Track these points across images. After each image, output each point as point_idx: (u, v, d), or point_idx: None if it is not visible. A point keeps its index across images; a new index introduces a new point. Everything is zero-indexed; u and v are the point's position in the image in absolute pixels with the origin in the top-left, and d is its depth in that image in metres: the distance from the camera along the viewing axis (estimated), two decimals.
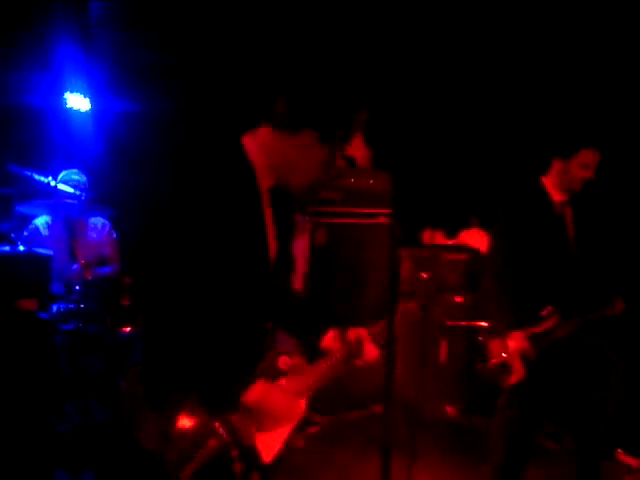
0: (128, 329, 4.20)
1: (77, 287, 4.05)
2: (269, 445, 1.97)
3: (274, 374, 2.07)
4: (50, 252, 3.98)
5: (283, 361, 2.10)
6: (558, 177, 3.33)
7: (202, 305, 1.93)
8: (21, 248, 3.88)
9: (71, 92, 5.29)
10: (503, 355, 3.15)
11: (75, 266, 4.26)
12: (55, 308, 4.03)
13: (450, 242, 5.46)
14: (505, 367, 3.17)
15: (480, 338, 3.29)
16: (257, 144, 2.08)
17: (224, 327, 1.98)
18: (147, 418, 2.02)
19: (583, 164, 3.26)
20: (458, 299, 5.15)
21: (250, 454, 1.92)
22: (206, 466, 1.87)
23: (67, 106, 5.32)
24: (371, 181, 4.97)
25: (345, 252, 4.85)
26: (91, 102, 5.39)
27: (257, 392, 1.95)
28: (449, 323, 4.98)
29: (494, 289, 3.24)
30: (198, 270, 1.93)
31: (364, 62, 5.47)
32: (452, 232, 5.45)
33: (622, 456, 3.91)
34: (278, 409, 2.00)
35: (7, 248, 3.86)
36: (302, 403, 2.08)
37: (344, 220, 4.85)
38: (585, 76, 4.88)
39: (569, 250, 3.34)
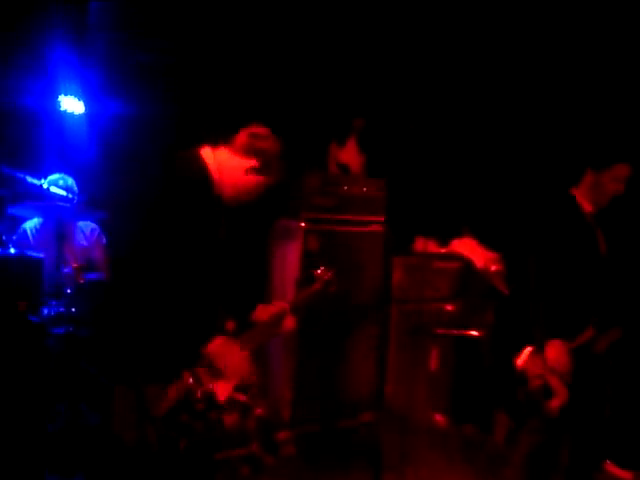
0: None
1: (68, 290, 4.04)
2: (223, 388, 2.49)
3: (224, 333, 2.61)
4: (41, 255, 3.96)
5: (230, 325, 2.65)
6: (589, 189, 3.29)
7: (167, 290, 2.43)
8: (12, 251, 3.86)
9: (65, 95, 5.27)
10: (542, 374, 3.03)
11: (67, 269, 4.24)
12: (46, 311, 4.02)
13: (442, 250, 5.47)
14: (547, 389, 3.03)
15: (518, 361, 3.12)
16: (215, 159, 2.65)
17: (184, 305, 2.47)
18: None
19: (616, 178, 3.24)
20: (449, 307, 5.15)
21: (210, 396, 2.45)
22: (176, 404, 2.37)
23: (61, 109, 5.31)
24: (365, 188, 4.98)
25: (337, 259, 4.85)
26: (85, 105, 5.38)
27: (216, 347, 2.50)
28: (439, 331, 4.98)
29: (529, 306, 3.15)
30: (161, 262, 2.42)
31: (360, 70, 5.49)
32: (444, 240, 5.46)
33: (611, 468, 3.91)
34: (230, 360, 2.52)
35: None
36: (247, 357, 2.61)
37: (337, 227, 4.85)
38: (618, 87, 4.87)
39: (602, 263, 3.30)
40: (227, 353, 2.54)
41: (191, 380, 2.42)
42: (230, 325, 2.68)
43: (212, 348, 2.51)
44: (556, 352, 3.05)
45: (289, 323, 2.90)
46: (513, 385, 3.16)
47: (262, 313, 2.87)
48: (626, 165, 3.25)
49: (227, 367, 2.53)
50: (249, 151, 2.62)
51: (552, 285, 3.14)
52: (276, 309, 2.89)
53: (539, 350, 3.05)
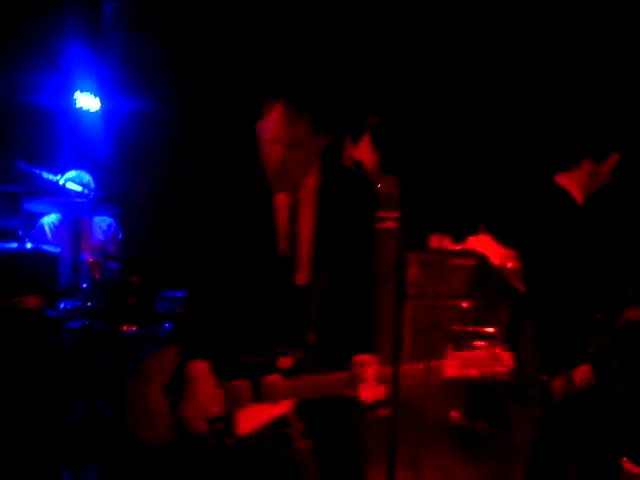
0: (134, 328, 4.20)
1: (84, 285, 4.07)
2: (249, 421, 2.23)
3: (273, 368, 2.24)
4: (58, 249, 3.99)
5: (285, 359, 2.24)
6: (586, 179, 3.26)
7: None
8: (29, 246, 3.89)
9: (81, 92, 5.30)
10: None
11: (82, 265, 4.27)
12: (62, 305, 4.05)
13: (458, 247, 5.45)
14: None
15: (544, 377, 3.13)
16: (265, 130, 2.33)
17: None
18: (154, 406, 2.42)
19: (611, 167, 3.21)
20: (464, 304, 5.13)
21: (226, 420, 2.22)
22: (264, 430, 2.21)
23: (77, 106, 5.33)
24: (379, 185, 4.96)
25: None
26: (101, 102, 5.41)
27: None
28: (455, 328, 4.96)
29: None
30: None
31: (372, 66, 5.48)
32: (460, 237, 5.44)
33: (627, 465, 3.88)
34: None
35: (15, 245, 3.87)
36: (288, 403, 2.23)
37: None
38: (616, 78, 4.84)
39: (594, 256, 3.26)
40: (203, 388, 2.29)
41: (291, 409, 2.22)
42: (283, 362, 2.26)
43: (193, 369, 2.31)
44: (583, 374, 3.06)
45: (369, 392, 2.22)
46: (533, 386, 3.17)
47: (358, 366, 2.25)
48: (618, 154, 3.22)
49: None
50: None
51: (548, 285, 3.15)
52: (362, 367, 2.24)
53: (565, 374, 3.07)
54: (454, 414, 4.94)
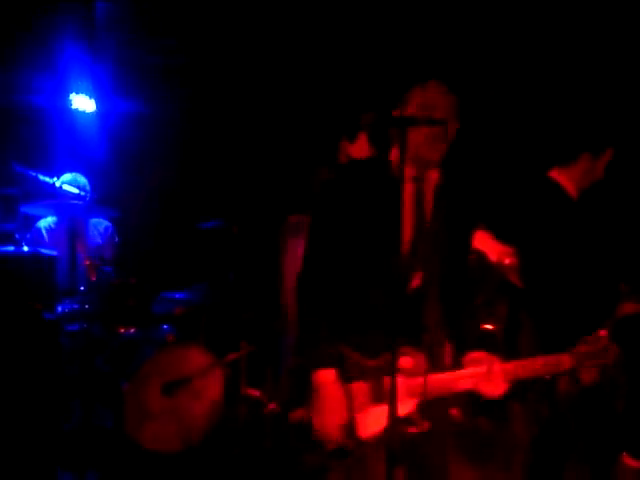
0: (132, 330, 4.19)
1: (82, 288, 4.06)
2: (371, 424, 2.20)
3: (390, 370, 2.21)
4: (54, 252, 3.98)
5: (405, 360, 2.23)
6: (582, 174, 3.24)
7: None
8: (25, 249, 3.88)
9: (76, 93, 5.29)
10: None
11: (79, 267, 4.25)
12: (60, 309, 4.03)
13: None
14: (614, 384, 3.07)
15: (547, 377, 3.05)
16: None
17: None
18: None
19: (606, 162, 3.20)
20: None
21: (349, 426, 2.19)
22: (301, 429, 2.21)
23: (72, 107, 5.32)
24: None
25: None
26: (96, 103, 5.40)
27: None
28: None
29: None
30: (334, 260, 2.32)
31: (370, 65, 5.47)
32: None
33: (628, 460, 3.88)
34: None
35: (11, 248, 3.86)
36: (412, 403, 2.23)
37: None
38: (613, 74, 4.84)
39: (590, 253, 3.24)
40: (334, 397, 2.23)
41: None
42: (404, 361, 2.24)
43: (321, 378, 2.23)
44: (591, 373, 3.00)
45: (492, 387, 2.29)
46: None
47: (470, 361, 2.35)
48: (611, 149, 3.22)
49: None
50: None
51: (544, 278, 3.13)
52: (485, 363, 2.31)
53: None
54: (454, 411, 4.94)
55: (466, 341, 2.42)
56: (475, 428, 4.76)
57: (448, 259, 2.43)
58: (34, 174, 4.11)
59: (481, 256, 5.19)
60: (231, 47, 5.49)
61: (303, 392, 2.24)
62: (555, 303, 3.11)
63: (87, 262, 4.23)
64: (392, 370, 2.03)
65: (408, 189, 2.33)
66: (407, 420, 2.21)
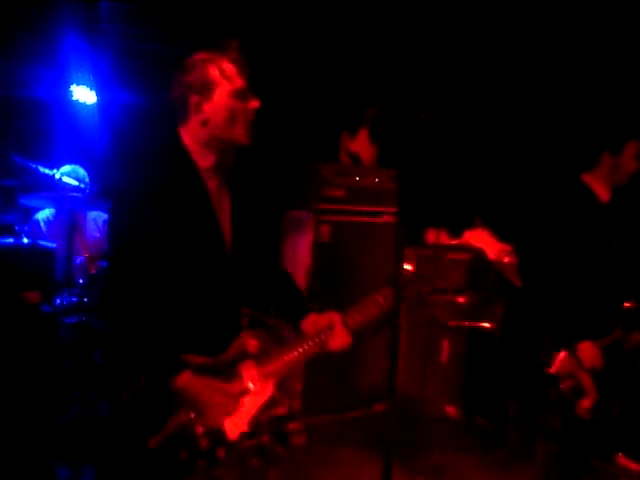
0: None
1: (80, 280, 4.05)
2: (236, 423, 2.13)
3: (242, 355, 2.21)
4: (54, 245, 3.97)
5: (251, 343, 2.21)
6: (608, 173, 3.20)
7: (160, 290, 2.15)
8: (25, 241, 3.88)
9: (77, 85, 5.28)
10: (574, 373, 2.96)
11: (78, 260, 4.25)
12: (58, 301, 4.03)
13: (454, 242, 5.45)
14: (578, 389, 2.98)
15: (544, 360, 3.03)
16: (187, 131, 2.33)
17: (183, 311, 2.18)
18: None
19: (633, 156, 3.15)
20: (460, 299, 5.14)
21: (215, 432, 2.10)
22: (172, 438, 2.05)
23: (73, 99, 5.31)
24: (376, 179, 4.96)
25: (349, 250, 4.84)
26: (97, 95, 5.38)
27: (185, 382, 2.08)
28: (451, 323, 4.97)
29: (548, 299, 3.08)
30: (152, 251, 2.14)
31: (371, 60, 5.46)
32: (457, 232, 5.44)
33: (622, 460, 3.89)
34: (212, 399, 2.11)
35: (11, 240, 3.86)
36: (269, 385, 2.20)
37: (348, 218, 4.84)
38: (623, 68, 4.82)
39: (618, 256, 3.21)
40: (204, 390, 2.12)
41: (192, 414, 2.09)
42: (252, 345, 2.23)
43: (181, 383, 2.10)
44: (591, 353, 3.00)
45: (341, 339, 2.30)
46: (530, 381, 3.13)
47: (313, 325, 2.33)
48: (635, 141, 3.18)
49: (208, 408, 2.11)
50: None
51: (569, 282, 3.07)
52: (326, 321, 2.31)
53: (569, 350, 3.00)
54: (450, 409, 4.95)
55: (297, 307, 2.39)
56: (472, 426, 4.77)
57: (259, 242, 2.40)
58: (34, 166, 4.10)
59: (480, 254, 5.20)
60: (232, 38, 5.47)
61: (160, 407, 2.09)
62: (581, 306, 3.07)
63: (86, 255, 4.22)
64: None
65: (213, 177, 2.31)
66: (271, 403, 2.19)
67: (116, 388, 3.95)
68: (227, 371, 2.16)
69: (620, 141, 3.18)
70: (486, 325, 3.80)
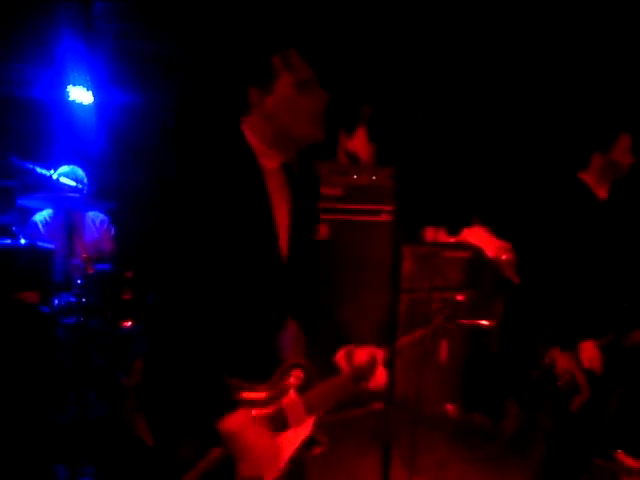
0: (129, 323, 4.19)
1: (78, 281, 4.05)
2: (274, 459, 1.91)
3: (285, 388, 1.97)
4: (51, 246, 3.97)
5: (296, 375, 1.99)
6: (602, 171, 3.18)
7: (210, 295, 1.91)
8: (22, 241, 3.87)
9: (73, 85, 5.27)
10: (571, 371, 2.96)
11: (76, 260, 4.25)
12: (56, 302, 4.03)
13: (452, 240, 5.45)
14: (574, 386, 2.98)
15: (546, 360, 3.03)
16: (250, 126, 2.05)
17: (232, 318, 1.94)
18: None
19: (625, 149, 3.12)
20: (459, 297, 5.14)
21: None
22: (209, 474, 1.83)
23: (69, 99, 5.31)
24: (374, 177, 4.96)
25: (347, 248, 4.84)
26: (94, 95, 5.38)
27: (235, 425, 1.82)
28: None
29: (547, 299, 3.05)
30: (202, 259, 1.90)
31: (368, 58, 5.46)
32: (454, 229, 5.44)
33: (622, 457, 3.90)
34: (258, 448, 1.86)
35: (8, 241, 3.85)
36: (309, 422, 2.00)
37: (346, 216, 4.84)
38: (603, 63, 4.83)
39: (618, 254, 3.18)
40: (257, 443, 1.85)
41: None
42: (296, 376, 1.98)
43: (233, 426, 1.82)
44: (591, 353, 3.00)
45: (382, 377, 2.07)
46: (528, 377, 3.13)
47: (345, 359, 2.08)
48: (628, 135, 3.14)
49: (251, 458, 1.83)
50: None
51: (567, 278, 3.06)
52: (366, 357, 2.08)
53: (568, 348, 3.00)
54: (449, 407, 4.95)
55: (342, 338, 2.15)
56: (470, 424, 4.77)
57: (300, 255, 2.14)
58: (31, 167, 4.10)
59: (478, 252, 5.20)
60: (228, 38, 5.47)
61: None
62: (558, 302, 3.07)
63: (84, 255, 4.22)
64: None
65: (276, 179, 2.05)
66: (310, 442, 1.99)
67: (114, 390, 3.95)
68: (269, 403, 1.93)
69: (609, 137, 3.16)
70: (485, 323, 3.78)
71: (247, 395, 1.90)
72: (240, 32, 5.18)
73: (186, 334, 1.85)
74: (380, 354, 2.10)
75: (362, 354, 2.08)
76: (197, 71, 5.52)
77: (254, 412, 1.89)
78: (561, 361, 3.00)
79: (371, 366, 2.08)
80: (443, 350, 5.01)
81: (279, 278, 2.03)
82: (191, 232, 1.91)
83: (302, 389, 1.99)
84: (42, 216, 4.56)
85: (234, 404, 1.84)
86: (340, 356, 2.09)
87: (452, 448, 4.32)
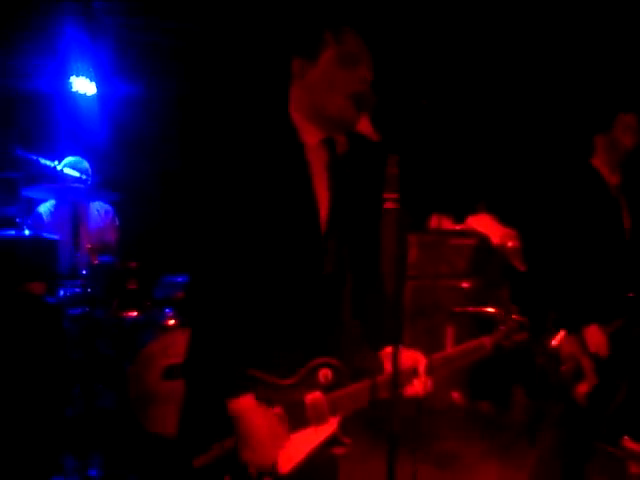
0: (134, 314, 4.20)
1: (84, 271, 4.06)
2: (290, 455, 1.89)
3: (310, 385, 1.93)
4: (56, 236, 3.97)
5: (323, 374, 1.94)
6: (607, 153, 3.13)
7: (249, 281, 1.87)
8: (27, 232, 3.88)
9: (77, 76, 5.26)
10: (576, 356, 2.92)
11: (80, 251, 4.25)
12: (62, 292, 4.04)
13: (457, 227, 5.43)
14: (579, 372, 2.94)
15: (552, 341, 2.97)
16: (292, 97, 1.99)
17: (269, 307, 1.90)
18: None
19: (626, 128, 3.08)
20: (465, 284, 5.13)
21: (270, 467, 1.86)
22: (219, 460, 1.83)
23: (73, 90, 5.30)
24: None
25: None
26: (97, 86, 5.37)
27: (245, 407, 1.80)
28: (456, 309, 4.96)
29: (554, 283, 3.02)
30: (241, 237, 1.85)
31: (371, 46, 5.42)
32: (459, 217, 5.42)
33: (628, 443, 3.89)
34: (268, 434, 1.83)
35: (13, 232, 3.86)
36: (334, 422, 1.95)
37: None
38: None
39: (625, 238, 3.14)
40: (262, 427, 1.82)
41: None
42: (324, 375, 1.93)
43: (241, 407, 1.81)
44: (597, 337, 2.97)
45: (419, 387, 1.99)
46: (535, 363, 3.11)
47: (386, 360, 1.97)
48: (630, 113, 3.10)
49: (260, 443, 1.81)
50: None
51: (576, 264, 3.02)
52: (409, 362, 1.99)
53: (574, 332, 2.97)
54: (455, 395, 4.95)
55: (383, 337, 2.05)
56: (478, 412, 4.77)
57: (358, 240, 2.09)
58: (35, 158, 4.10)
59: (484, 239, 5.19)
60: (231, 29, 5.44)
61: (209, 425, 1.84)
62: (564, 286, 3.04)
63: (89, 246, 4.22)
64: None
65: (318, 155, 1.96)
66: (332, 441, 1.94)
67: (121, 379, 3.96)
68: (291, 398, 1.90)
69: (608, 118, 3.12)
70: (491, 310, 3.76)
71: (269, 380, 1.89)
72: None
73: (213, 315, 1.83)
74: (423, 362, 2.01)
75: (407, 358, 1.98)
76: (202, 61, 5.50)
77: (273, 397, 1.87)
78: (566, 345, 2.98)
79: (412, 372, 2.00)
80: (449, 337, 5.01)
81: (318, 247, 1.94)
82: (230, 209, 1.85)
83: (330, 388, 1.94)
84: (46, 207, 4.56)
85: (246, 388, 1.82)
86: (386, 353, 1.99)
87: (459, 436, 4.32)
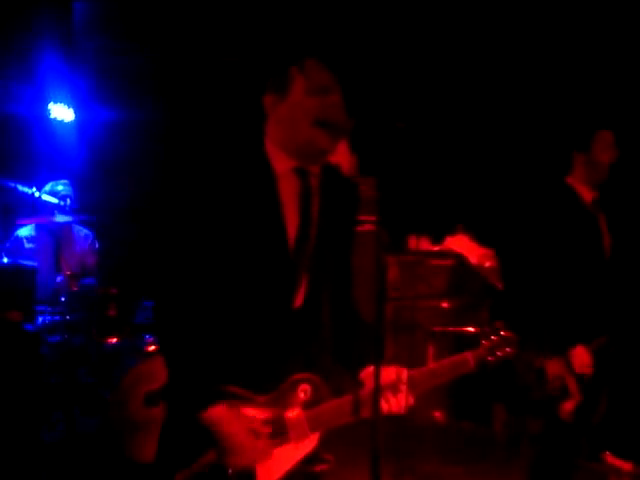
0: (114, 340, 4.17)
1: (62, 298, 4.03)
2: (271, 471, 1.90)
3: (289, 401, 1.94)
4: (35, 264, 3.95)
5: (303, 389, 1.95)
6: (585, 171, 3.15)
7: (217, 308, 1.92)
8: (5, 260, 3.85)
9: (55, 103, 5.26)
10: (562, 376, 2.94)
11: (60, 278, 4.23)
12: (40, 320, 4.00)
13: (436, 248, 5.47)
14: (564, 391, 2.96)
15: (537, 363, 2.99)
16: (267, 133, 2.03)
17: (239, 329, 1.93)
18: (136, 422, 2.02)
19: (604, 146, 3.11)
20: (444, 304, 5.16)
21: (246, 476, 1.87)
22: (200, 476, 1.85)
23: (51, 116, 5.29)
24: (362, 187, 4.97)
25: None
26: (75, 112, 5.37)
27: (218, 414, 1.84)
28: (435, 329, 4.98)
29: (535, 305, 3.03)
30: (209, 260, 1.90)
31: (347, 69, 5.48)
32: (437, 238, 5.46)
33: (610, 458, 3.91)
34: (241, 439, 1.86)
35: None
36: (314, 438, 1.95)
37: None
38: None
39: (604, 256, 3.16)
40: (238, 431, 1.86)
41: (223, 454, 1.86)
42: (303, 390, 1.95)
43: (213, 415, 1.84)
44: (583, 358, 2.99)
45: (400, 402, 1.96)
46: (516, 382, 3.12)
47: (369, 378, 1.93)
48: (607, 131, 3.14)
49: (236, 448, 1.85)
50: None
51: (555, 284, 3.03)
52: (391, 377, 1.96)
53: (558, 352, 2.99)
54: (437, 414, 4.96)
55: (363, 354, 2.04)
56: (458, 430, 4.78)
57: (334, 268, 2.13)
58: (13, 185, 4.08)
59: (462, 259, 5.23)
60: (210, 51, 5.48)
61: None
62: (544, 307, 3.06)
63: (68, 272, 4.20)
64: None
65: (289, 183, 1.99)
66: (312, 458, 1.95)
67: (101, 407, 3.92)
68: (269, 413, 1.92)
69: (586, 137, 3.16)
70: (471, 329, 3.79)
71: (246, 395, 1.91)
72: (256, 44, 5.16)
73: (184, 336, 1.88)
74: (405, 374, 1.98)
75: (388, 372, 1.96)
76: (180, 86, 5.52)
77: (250, 413, 1.89)
78: (551, 367, 2.99)
79: (393, 387, 1.96)
80: (430, 357, 5.03)
81: (287, 277, 1.97)
82: (198, 233, 1.90)
83: (309, 405, 1.94)
84: (26, 231, 4.53)
85: (218, 400, 1.85)
86: (367, 373, 1.98)
87: (440, 455, 4.32)
